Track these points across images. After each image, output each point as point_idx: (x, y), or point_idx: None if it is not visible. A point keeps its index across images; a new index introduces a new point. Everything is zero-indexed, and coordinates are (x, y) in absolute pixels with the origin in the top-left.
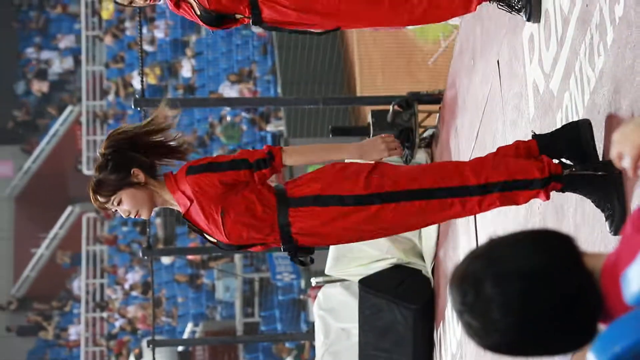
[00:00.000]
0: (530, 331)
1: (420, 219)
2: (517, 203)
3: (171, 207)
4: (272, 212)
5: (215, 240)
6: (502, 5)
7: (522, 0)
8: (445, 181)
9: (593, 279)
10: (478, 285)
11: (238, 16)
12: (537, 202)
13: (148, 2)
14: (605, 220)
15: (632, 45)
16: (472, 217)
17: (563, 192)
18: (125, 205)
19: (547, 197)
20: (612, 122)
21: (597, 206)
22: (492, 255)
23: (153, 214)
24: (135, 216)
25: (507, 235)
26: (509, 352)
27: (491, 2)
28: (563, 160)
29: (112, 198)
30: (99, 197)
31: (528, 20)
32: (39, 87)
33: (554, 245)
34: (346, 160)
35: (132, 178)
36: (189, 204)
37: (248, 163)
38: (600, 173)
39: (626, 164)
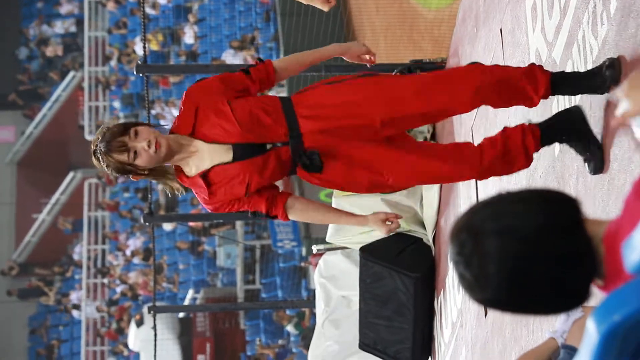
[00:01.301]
0: (522, 290)
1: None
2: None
3: (180, 155)
4: (277, 106)
5: (230, 156)
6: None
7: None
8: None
9: (592, 244)
10: (477, 237)
11: None
12: (538, 171)
13: None
14: (584, 163)
15: (636, 13)
16: (474, 186)
17: (553, 94)
18: (143, 134)
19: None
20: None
21: (574, 149)
22: (496, 209)
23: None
24: (155, 145)
25: (515, 192)
26: (499, 307)
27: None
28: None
29: (127, 151)
30: (111, 159)
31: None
32: (53, 50)
33: (559, 207)
34: None
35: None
36: (193, 118)
37: (242, 70)
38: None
39: (620, 113)
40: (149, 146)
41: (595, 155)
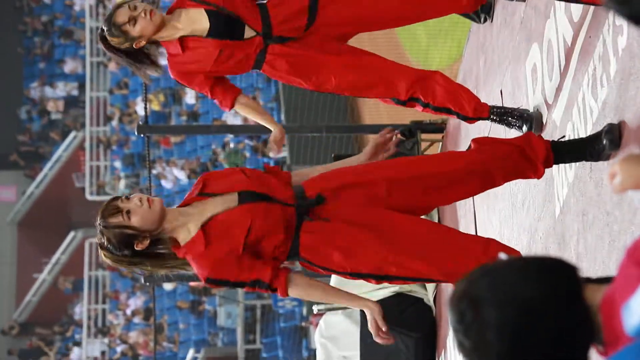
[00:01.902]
0: (522, 358)
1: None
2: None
3: None
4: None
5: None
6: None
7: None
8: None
9: (590, 313)
10: (477, 306)
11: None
12: (538, 232)
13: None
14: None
15: (635, 76)
16: None
17: (556, 163)
18: (134, 197)
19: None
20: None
21: (592, 159)
22: (496, 278)
23: None
24: (148, 202)
25: (515, 260)
26: None
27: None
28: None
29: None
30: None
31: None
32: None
33: (558, 278)
34: None
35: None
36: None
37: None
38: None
39: (617, 186)
40: (141, 202)
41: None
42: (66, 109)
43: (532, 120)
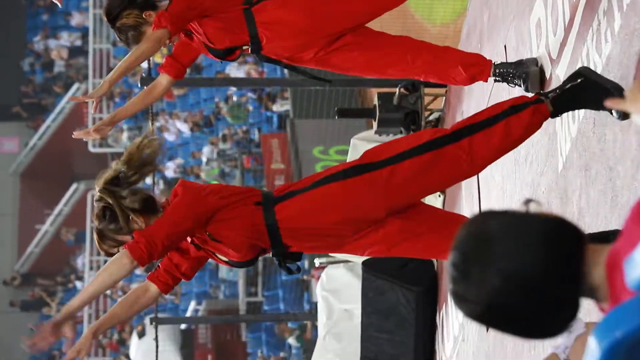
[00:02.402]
0: (511, 313)
1: (431, 177)
2: (524, 125)
3: None
4: (260, 218)
5: (227, 260)
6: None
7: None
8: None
9: (588, 279)
10: (483, 269)
11: (245, 47)
12: (541, 187)
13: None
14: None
15: None
16: (477, 202)
17: (557, 115)
18: None
19: (532, 119)
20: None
21: (598, 109)
22: (498, 244)
23: (157, 191)
24: None
25: (519, 220)
26: (490, 324)
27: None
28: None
29: (117, 246)
30: (103, 246)
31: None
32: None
33: (562, 248)
34: None
35: (132, 224)
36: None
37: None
38: (579, 80)
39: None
40: None
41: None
42: (69, 59)
43: (528, 79)
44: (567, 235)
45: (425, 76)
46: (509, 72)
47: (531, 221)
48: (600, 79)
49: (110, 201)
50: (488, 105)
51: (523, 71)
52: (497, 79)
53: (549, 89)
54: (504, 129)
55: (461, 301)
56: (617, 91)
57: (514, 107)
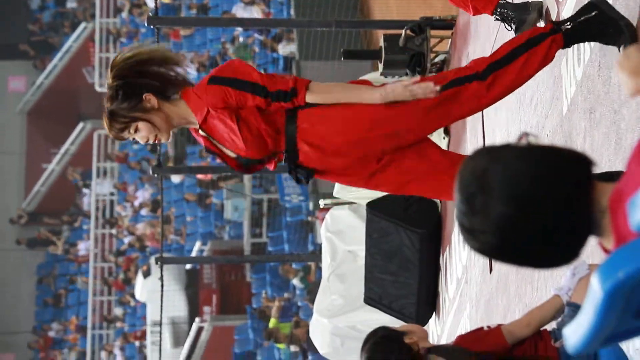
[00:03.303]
0: (518, 239)
1: (440, 110)
2: (541, 58)
3: (188, 125)
4: (281, 116)
5: (234, 156)
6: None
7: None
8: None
9: (595, 213)
10: (486, 195)
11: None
12: (545, 129)
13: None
14: (618, 46)
15: None
16: (482, 143)
17: (568, 46)
18: (142, 132)
19: (548, 50)
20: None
21: (607, 43)
22: (509, 169)
23: None
24: (154, 141)
25: (530, 149)
26: (494, 255)
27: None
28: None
29: (129, 127)
30: (114, 127)
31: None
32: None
33: (570, 177)
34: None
35: (145, 104)
36: (206, 113)
37: (267, 91)
38: (593, 13)
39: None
40: (147, 141)
41: (626, 38)
42: (70, 3)
43: (522, 26)
44: (564, 157)
45: None
46: (509, 14)
47: (527, 148)
48: (613, 13)
49: (123, 75)
50: (494, 48)
51: (521, 16)
52: (497, 17)
53: (562, 19)
54: (523, 63)
55: (470, 235)
56: (627, 28)
57: (531, 40)
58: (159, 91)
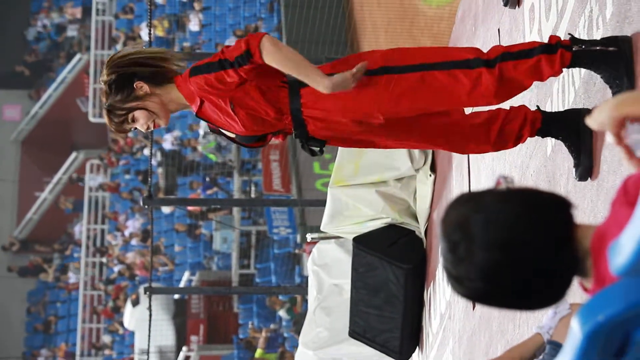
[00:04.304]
0: (503, 284)
1: (427, 93)
2: (539, 74)
3: (185, 109)
4: (283, 96)
5: (234, 136)
6: None
7: None
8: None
9: (579, 254)
10: (470, 243)
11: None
12: (530, 169)
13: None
14: (574, 166)
15: (631, 19)
16: (467, 181)
17: (572, 66)
18: (140, 119)
19: (559, 65)
20: (608, 96)
21: (605, 82)
22: (490, 216)
23: (154, 163)
24: (154, 127)
25: (511, 193)
26: (481, 301)
27: None
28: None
29: (127, 118)
30: (113, 121)
31: (505, 4)
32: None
33: (552, 222)
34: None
35: (138, 91)
36: (199, 102)
37: (229, 62)
38: (611, 48)
39: (610, 139)
40: (147, 128)
41: (585, 165)
42: (72, 30)
43: None
44: (558, 207)
45: None
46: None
47: (507, 194)
48: (630, 61)
49: (115, 70)
50: None
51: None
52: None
53: (581, 38)
54: (534, 64)
55: (457, 282)
56: (629, 78)
57: (548, 46)
58: (150, 78)
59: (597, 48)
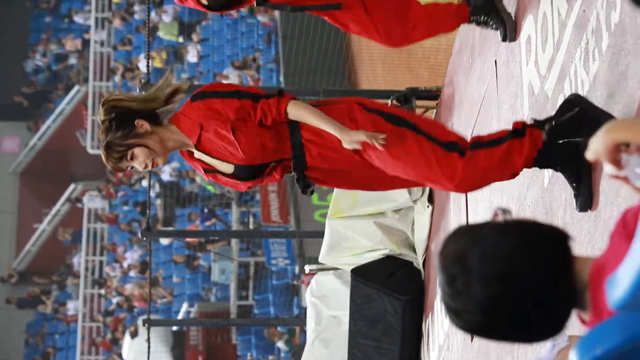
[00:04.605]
0: (499, 329)
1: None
2: (510, 163)
3: (184, 147)
4: (284, 130)
5: (230, 172)
6: (477, 22)
7: (496, 23)
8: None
9: (577, 287)
10: (468, 276)
11: None
12: (527, 201)
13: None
14: (573, 197)
15: (626, 52)
16: (465, 213)
17: (540, 164)
18: (139, 157)
19: (530, 146)
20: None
21: (568, 181)
22: (488, 249)
23: (153, 194)
24: (152, 166)
25: (509, 226)
26: (480, 334)
27: (469, 22)
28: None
29: (126, 155)
30: (112, 158)
31: (503, 40)
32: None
33: (550, 254)
34: None
35: (138, 129)
36: (199, 131)
37: (253, 94)
38: (576, 110)
39: (607, 169)
40: (145, 167)
41: (585, 195)
42: (69, 63)
43: (506, 28)
44: (556, 241)
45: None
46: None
47: (505, 226)
48: (594, 109)
49: (116, 104)
50: (477, 119)
51: (501, 20)
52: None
53: (545, 118)
54: (505, 150)
55: (456, 316)
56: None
57: (515, 131)
58: (150, 116)
59: (566, 117)
